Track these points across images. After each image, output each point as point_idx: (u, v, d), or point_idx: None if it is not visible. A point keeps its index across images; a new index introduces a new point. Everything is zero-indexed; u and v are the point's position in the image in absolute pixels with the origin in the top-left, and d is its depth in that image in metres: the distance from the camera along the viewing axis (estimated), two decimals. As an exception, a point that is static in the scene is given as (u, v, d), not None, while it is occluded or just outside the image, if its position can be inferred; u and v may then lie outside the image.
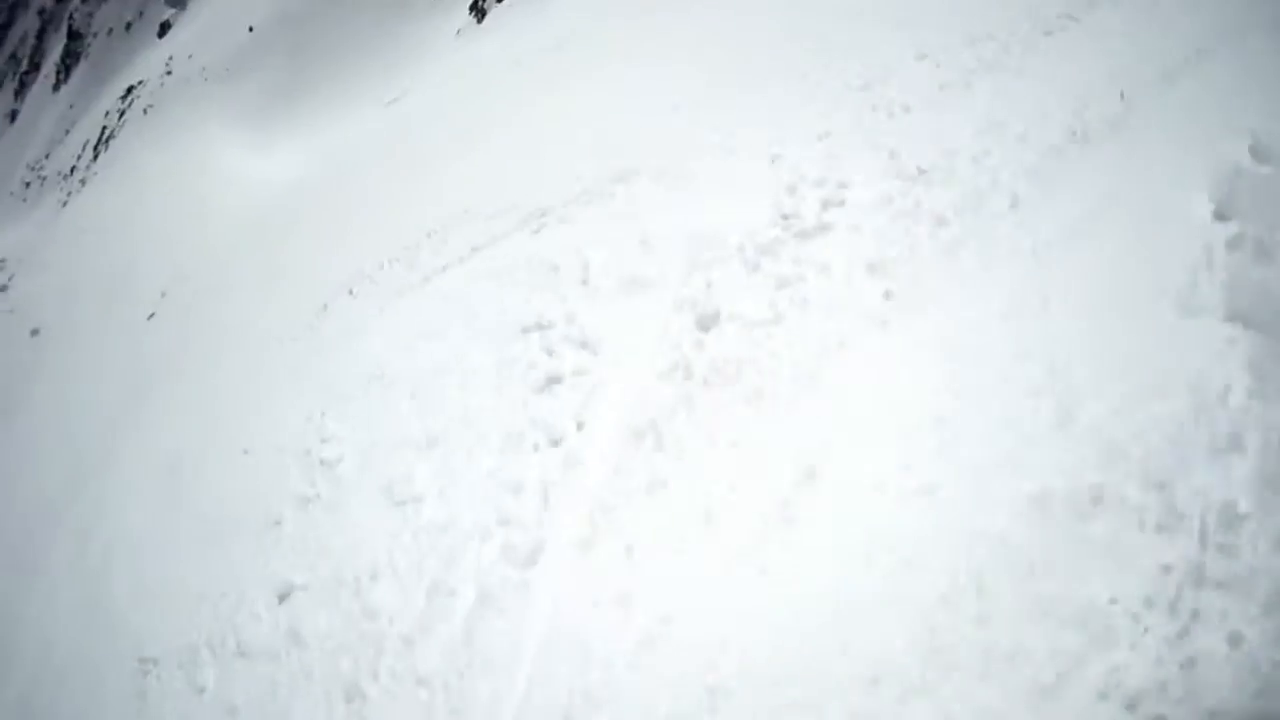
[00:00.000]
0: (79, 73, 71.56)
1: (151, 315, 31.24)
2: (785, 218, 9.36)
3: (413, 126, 28.06)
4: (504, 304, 11.71)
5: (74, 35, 74.36)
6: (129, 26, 68.23)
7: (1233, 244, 5.54)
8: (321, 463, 11.40)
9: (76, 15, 74.95)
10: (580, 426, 8.61)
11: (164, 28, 62.47)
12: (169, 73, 51.84)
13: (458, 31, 36.17)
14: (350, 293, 17.13)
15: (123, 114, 53.14)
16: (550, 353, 9.87)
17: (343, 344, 14.96)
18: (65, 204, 51.32)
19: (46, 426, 27.96)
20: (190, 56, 51.14)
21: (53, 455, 24.03)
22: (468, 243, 14.76)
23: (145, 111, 50.16)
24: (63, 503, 19.58)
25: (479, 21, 34.88)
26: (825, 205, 9.21)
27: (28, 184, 63.51)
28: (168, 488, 15.86)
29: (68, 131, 63.96)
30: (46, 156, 64.53)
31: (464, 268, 14.05)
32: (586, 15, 25.07)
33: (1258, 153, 5.97)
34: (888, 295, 7.76)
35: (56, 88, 74.29)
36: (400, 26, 40.12)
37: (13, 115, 79.43)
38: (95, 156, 52.78)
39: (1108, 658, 4.17)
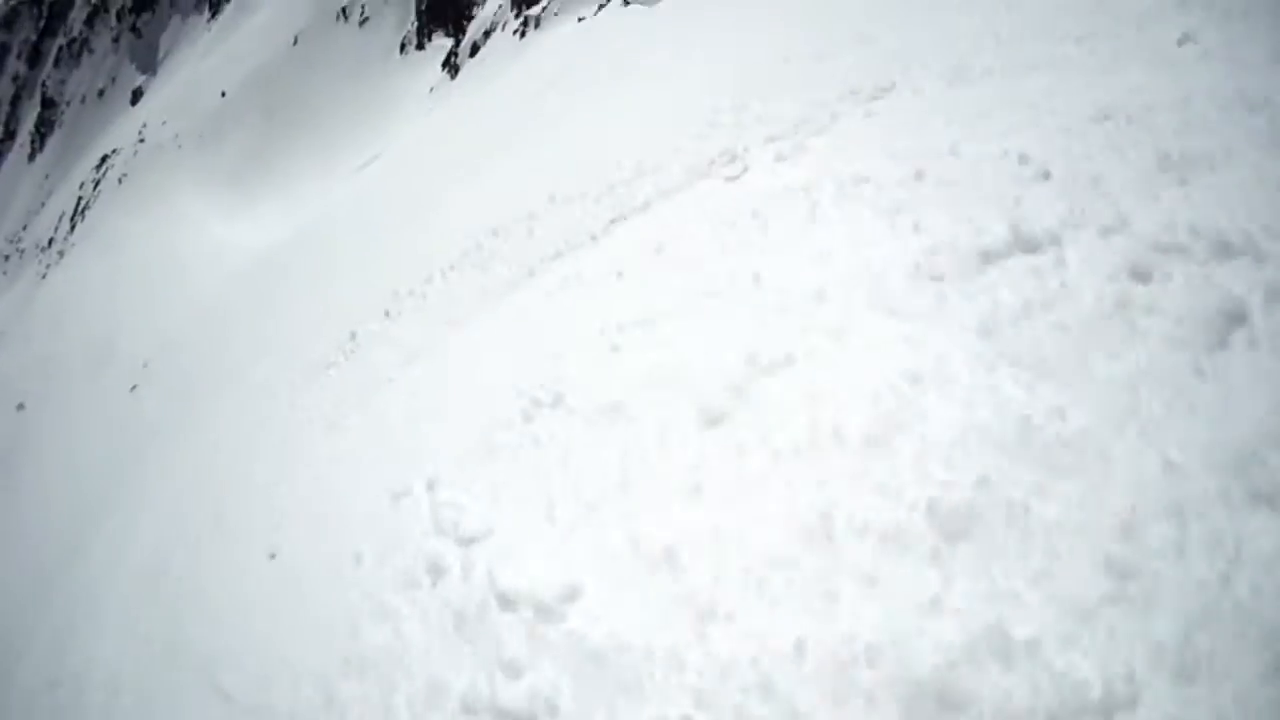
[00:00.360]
0: (54, 141, 71.11)
1: (134, 386, 30.64)
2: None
3: (423, 158, 27.33)
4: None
5: (48, 103, 73.94)
6: (102, 93, 67.88)
7: None
8: (503, 600, 5.42)
9: (49, 82, 74.56)
10: None
11: (136, 94, 62.18)
12: (142, 140, 51.44)
13: (430, 89, 35.89)
14: (386, 314, 14.62)
15: (98, 184, 52.66)
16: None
17: (405, 373, 11.33)
18: (44, 276, 50.73)
19: (30, 505, 27.30)
20: (163, 123, 50.77)
21: (35, 535, 23.26)
22: (599, 216, 11.64)
23: (120, 181, 49.69)
24: (37, 597, 18.00)
25: (452, 78, 34.64)
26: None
27: (6, 257, 62.90)
28: (149, 609, 10.88)
29: (44, 203, 63.45)
30: (24, 229, 63.97)
31: (617, 236, 10.65)
32: (572, 56, 24.53)
33: None
34: None
35: (32, 157, 73.82)
36: (372, 87, 39.92)
37: (-10, 186, 78.89)
38: (72, 228, 52.22)
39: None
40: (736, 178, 9.70)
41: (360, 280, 18.58)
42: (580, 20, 31.72)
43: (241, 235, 35.75)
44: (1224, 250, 4.93)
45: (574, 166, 14.74)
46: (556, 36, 28.75)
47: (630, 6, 31.85)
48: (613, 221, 11.04)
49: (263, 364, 18.96)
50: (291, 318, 21.00)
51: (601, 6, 32.29)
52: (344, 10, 45.13)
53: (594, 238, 10.99)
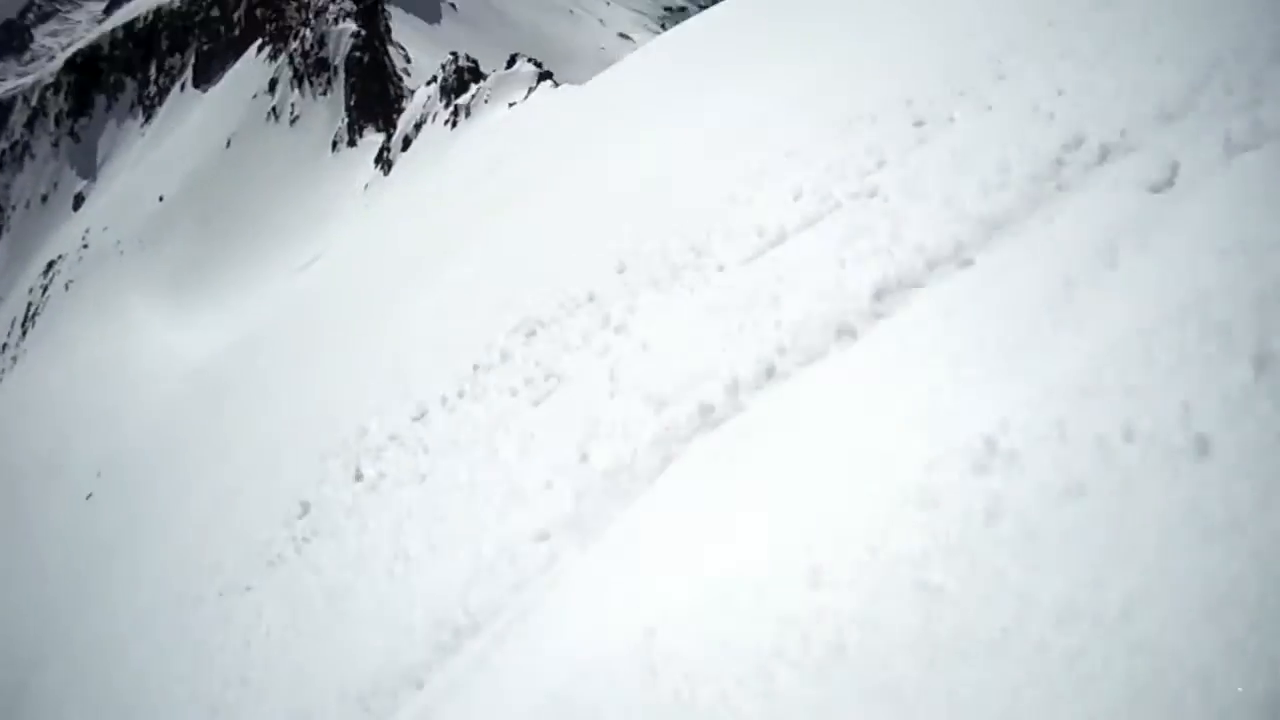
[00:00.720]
0: (0, 247, 69.29)
1: (90, 495, 29.23)
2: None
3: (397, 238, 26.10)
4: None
5: (-6, 209, 72.22)
6: (45, 199, 66.29)
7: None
8: None
9: (-5, 187, 72.88)
10: None
11: (78, 200, 60.75)
12: (85, 246, 50.20)
13: (365, 186, 34.87)
14: (358, 476, 9.38)
15: (46, 289, 51.37)
16: None
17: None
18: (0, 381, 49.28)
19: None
20: (105, 229, 49.56)
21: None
22: (823, 286, 6.10)
23: (67, 287, 48.42)
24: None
25: (386, 173, 33.65)
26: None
27: (-40, 364, 61.03)
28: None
29: (-6, 308, 61.87)
30: (-24, 334, 62.17)
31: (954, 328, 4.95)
32: (512, 140, 23.42)
33: None
34: None
35: (-19, 263, 71.87)
36: (306, 187, 38.92)
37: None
38: (24, 333, 50.73)
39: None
40: (1169, 184, 4.83)
41: (310, 409, 14.27)
42: (511, 105, 30.99)
43: (186, 342, 34.50)
44: None
45: (618, 226, 9.92)
46: (487, 125, 27.81)
47: (561, 88, 31.24)
48: (882, 294, 5.60)
49: (170, 548, 15.99)
50: (230, 459, 17.52)
51: (531, 90, 31.60)
52: (274, 110, 44.17)
53: (852, 333, 5.55)
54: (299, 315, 26.53)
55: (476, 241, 15.57)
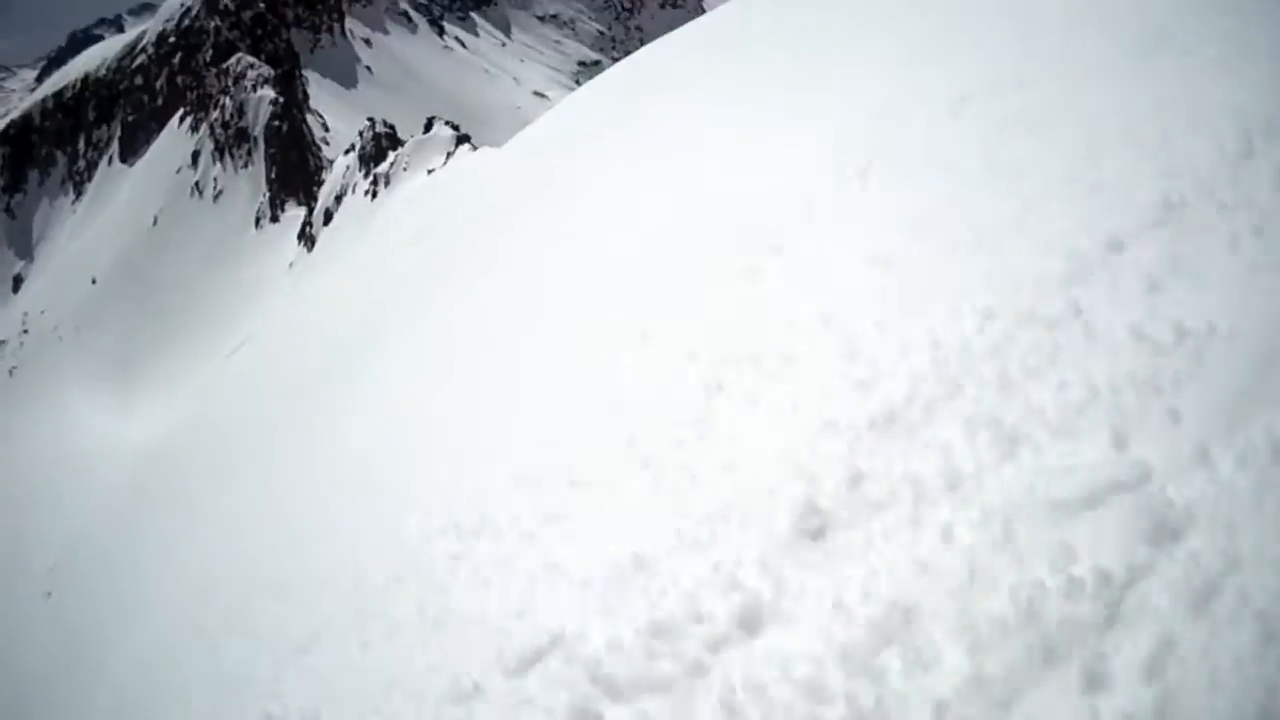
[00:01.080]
0: (-55, 332, 67.42)
1: (49, 594, 27.88)
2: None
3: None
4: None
5: (-62, 291, 70.12)
6: (-15, 280, 64.52)
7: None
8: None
9: (-62, 268, 70.76)
10: None
11: (17, 281, 58.92)
12: (26, 331, 48.63)
13: (290, 265, 33.67)
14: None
15: (-9, 376, 49.77)
16: None
17: None
18: (-52, 475, 47.52)
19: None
20: (43, 312, 48.02)
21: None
22: None
23: (10, 374, 46.78)
24: None
25: (309, 250, 32.46)
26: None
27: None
28: None
29: (-60, 399, 60.00)
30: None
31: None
32: (431, 212, 22.13)
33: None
34: None
35: (-74, 348, 69.71)
36: (233, 266, 37.68)
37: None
38: (-29, 423, 49.13)
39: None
40: None
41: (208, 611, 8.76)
42: (430, 172, 29.92)
43: (127, 431, 33.18)
44: None
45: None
46: (407, 194, 26.70)
47: (480, 150, 30.18)
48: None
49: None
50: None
51: (450, 154, 30.56)
52: (198, 186, 42.80)
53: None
54: (220, 421, 25.01)
55: (410, 338, 11.74)
